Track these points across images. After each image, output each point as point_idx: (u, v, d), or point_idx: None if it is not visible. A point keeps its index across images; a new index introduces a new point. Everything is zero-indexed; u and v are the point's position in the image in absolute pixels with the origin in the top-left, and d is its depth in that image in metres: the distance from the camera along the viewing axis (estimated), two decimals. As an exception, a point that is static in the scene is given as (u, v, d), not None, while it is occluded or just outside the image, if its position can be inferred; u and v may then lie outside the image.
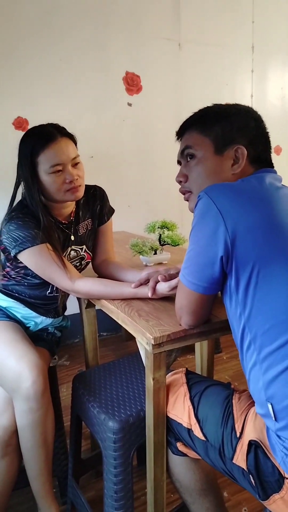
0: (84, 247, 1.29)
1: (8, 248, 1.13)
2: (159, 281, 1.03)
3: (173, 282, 1.00)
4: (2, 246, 1.18)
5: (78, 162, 1.16)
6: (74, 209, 1.27)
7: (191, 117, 0.93)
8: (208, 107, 0.92)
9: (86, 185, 1.30)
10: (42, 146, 1.10)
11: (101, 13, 2.24)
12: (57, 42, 2.15)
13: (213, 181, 0.85)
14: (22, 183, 1.16)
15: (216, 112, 0.89)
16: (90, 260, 1.32)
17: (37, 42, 2.09)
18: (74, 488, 1.22)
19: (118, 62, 2.35)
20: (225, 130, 0.86)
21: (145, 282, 1.07)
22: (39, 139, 1.11)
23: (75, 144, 1.18)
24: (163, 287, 1.01)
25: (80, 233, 1.28)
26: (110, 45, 2.31)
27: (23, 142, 1.14)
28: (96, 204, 1.31)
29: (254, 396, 0.77)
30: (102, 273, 1.31)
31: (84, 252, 1.29)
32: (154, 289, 1.03)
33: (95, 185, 1.33)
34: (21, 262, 1.16)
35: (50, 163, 1.10)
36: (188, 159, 0.90)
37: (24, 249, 1.09)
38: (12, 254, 1.13)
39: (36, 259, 1.12)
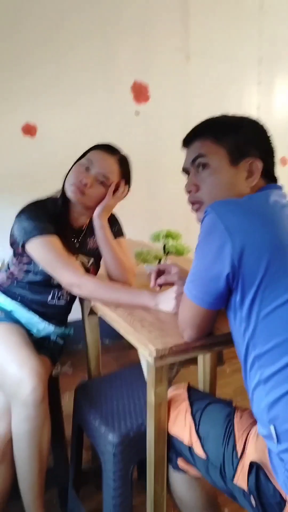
0: (92, 259, 1.31)
1: (17, 239, 1.15)
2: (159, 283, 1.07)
3: (175, 288, 1.01)
4: (12, 239, 1.20)
5: (103, 184, 1.19)
6: (87, 221, 1.30)
7: (202, 124, 0.90)
8: (220, 116, 0.90)
9: None
10: (95, 148, 1.21)
11: (110, 23, 2.26)
12: (67, 51, 2.16)
13: (228, 193, 0.83)
14: None
15: (230, 121, 0.88)
16: (94, 274, 1.33)
17: (46, 51, 2.11)
18: (75, 499, 1.21)
19: (127, 71, 2.36)
20: (240, 141, 0.84)
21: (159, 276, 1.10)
22: (99, 145, 1.22)
23: (121, 176, 1.23)
24: (172, 296, 1.02)
25: (90, 245, 1.31)
26: (118, 54, 2.32)
27: None
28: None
29: (257, 416, 0.76)
30: None
31: (90, 265, 1.30)
32: (155, 281, 1.07)
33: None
34: (26, 257, 1.18)
35: (86, 158, 1.19)
36: (201, 168, 0.87)
37: (31, 237, 1.11)
38: (20, 245, 1.15)
39: (43, 250, 1.12)
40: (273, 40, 2.83)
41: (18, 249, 1.19)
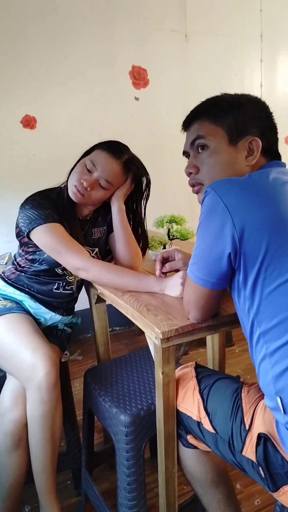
0: (97, 250, 1.32)
1: (22, 228, 1.17)
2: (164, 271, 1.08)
3: (181, 274, 1.01)
4: (17, 229, 1.22)
5: (105, 188, 1.19)
6: (91, 213, 1.31)
7: (200, 106, 0.89)
8: (217, 96, 0.90)
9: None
10: (100, 147, 1.21)
11: (106, 7, 2.23)
12: (62, 38, 2.14)
13: (228, 173, 0.83)
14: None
15: (228, 101, 0.87)
16: None
17: (42, 39, 2.09)
18: (88, 480, 1.24)
19: (124, 56, 2.33)
20: (238, 120, 0.83)
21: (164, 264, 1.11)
22: (104, 143, 1.22)
23: (127, 177, 1.24)
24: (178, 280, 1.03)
25: (95, 236, 1.32)
26: (116, 39, 2.29)
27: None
28: (110, 215, 1.32)
29: (263, 390, 0.77)
30: None
31: (95, 254, 1.31)
32: (160, 271, 1.08)
33: None
34: (31, 246, 1.20)
35: (89, 159, 1.19)
36: (200, 150, 0.87)
37: (36, 226, 1.13)
38: (25, 234, 1.17)
39: (47, 236, 1.14)
40: (274, 15, 2.77)
41: (24, 239, 1.21)
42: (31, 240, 1.18)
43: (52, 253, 1.16)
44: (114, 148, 1.22)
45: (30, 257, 1.24)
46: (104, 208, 1.33)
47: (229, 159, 0.84)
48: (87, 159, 1.20)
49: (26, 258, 1.26)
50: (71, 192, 1.19)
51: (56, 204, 1.20)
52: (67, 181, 1.23)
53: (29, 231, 1.15)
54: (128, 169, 1.23)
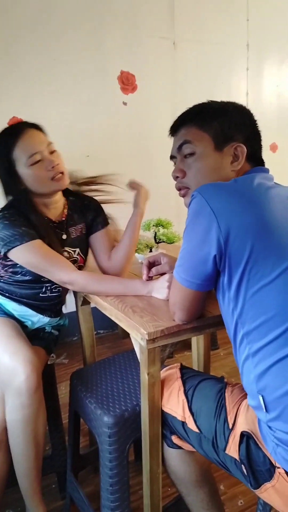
0: (78, 250, 1.29)
1: None
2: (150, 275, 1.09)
3: (167, 277, 1.03)
4: None
5: (54, 150, 1.16)
6: (65, 210, 1.27)
7: (187, 112, 0.92)
8: (204, 103, 0.92)
9: (81, 194, 1.31)
10: (13, 141, 1.11)
11: (95, 13, 2.25)
12: (52, 42, 2.15)
13: (213, 178, 0.85)
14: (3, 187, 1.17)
15: (214, 108, 0.89)
16: (82, 264, 1.32)
17: (32, 42, 2.10)
18: (73, 483, 1.24)
19: (113, 61, 2.35)
20: (224, 127, 0.86)
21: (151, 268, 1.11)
22: (8, 136, 1.12)
23: (43, 132, 1.19)
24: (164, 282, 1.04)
25: (73, 235, 1.28)
26: (105, 44, 2.31)
27: None
28: (89, 213, 1.31)
29: (246, 389, 0.79)
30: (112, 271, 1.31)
31: (77, 255, 1.29)
32: (147, 275, 1.08)
33: (91, 197, 1.35)
34: (9, 260, 1.16)
35: (26, 154, 1.10)
36: (186, 155, 0.89)
37: (13, 247, 1.10)
38: (1, 253, 1.14)
39: (27, 256, 1.12)
40: (260, 25, 2.84)
41: (0, 255, 1.17)
42: (9, 258, 1.15)
43: (35, 270, 1.15)
44: (14, 130, 1.15)
45: (11, 269, 1.20)
46: (79, 206, 1.30)
47: (215, 164, 0.86)
48: (27, 161, 1.10)
49: (6, 270, 1.21)
50: (54, 187, 1.15)
51: (26, 215, 1.14)
52: (16, 195, 1.16)
53: (6, 252, 1.12)
54: (41, 129, 1.19)
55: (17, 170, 1.13)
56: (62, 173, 1.15)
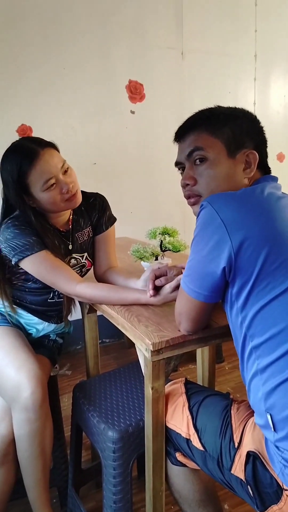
0: (85, 254, 1.29)
1: (7, 256, 1.14)
2: (158, 284, 1.02)
3: (174, 282, 0.99)
4: (2, 253, 1.18)
5: (68, 168, 1.13)
6: (71, 216, 1.26)
7: (196, 117, 0.89)
8: (213, 108, 0.89)
9: (86, 192, 1.30)
10: (28, 166, 1.06)
11: (104, 22, 2.27)
12: (61, 51, 2.17)
13: (227, 185, 0.82)
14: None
15: (224, 113, 0.87)
16: (90, 268, 1.32)
17: (41, 51, 2.12)
18: (74, 498, 1.21)
19: (122, 70, 2.37)
20: (236, 133, 0.84)
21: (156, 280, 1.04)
22: (23, 160, 1.07)
23: (58, 150, 1.15)
24: (165, 288, 1.01)
25: (80, 240, 1.28)
26: (113, 53, 2.33)
27: (5, 166, 1.09)
28: (94, 213, 1.30)
29: (254, 407, 0.76)
30: (104, 282, 1.29)
31: (85, 259, 1.29)
32: (154, 290, 1.01)
33: (96, 194, 1.32)
34: (21, 268, 1.16)
35: (42, 180, 1.07)
36: (198, 162, 0.86)
37: (24, 257, 1.09)
38: (12, 262, 1.13)
39: (37, 266, 1.12)
40: (268, 36, 2.85)
41: (10, 263, 1.16)
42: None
43: (44, 281, 1.14)
44: (29, 153, 1.07)
45: (23, 276, 1.20)
46: (84, 206, 1.27)
47: (228, 172, 0.83)
48: (42, 187, 1.08)
49: (17, 277, 1.21)
50: (67, 206, 1.14)
51: (33, 225, 1.12)
52: (25, 208, 1.12)
53: (17, 262, 1.11)
54: (55, 147, 1.16)
55: (30, 192, 1.10)
56: (76, 192, 1.14)
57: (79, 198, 1.16)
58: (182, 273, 1.01)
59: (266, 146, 0.90)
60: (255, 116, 0.89)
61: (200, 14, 2.57)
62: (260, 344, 0.72)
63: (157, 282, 1.02)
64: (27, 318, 1.25)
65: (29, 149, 1.08)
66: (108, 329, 1.43)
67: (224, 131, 0.83)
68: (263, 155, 0.87)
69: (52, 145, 1.14)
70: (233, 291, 0.74)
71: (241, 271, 0.71)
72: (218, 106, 0.90)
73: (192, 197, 0.88)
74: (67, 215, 1.25)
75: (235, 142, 0.83)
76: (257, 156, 0.84)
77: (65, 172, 1.12)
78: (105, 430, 0.99)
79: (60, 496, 1.33)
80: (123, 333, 1.05)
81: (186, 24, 2.52)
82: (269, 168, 0.90)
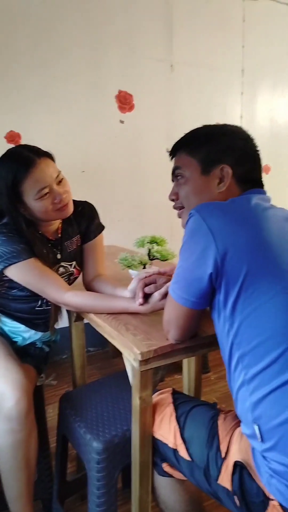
0: (74, 263, 1.28)
1: None
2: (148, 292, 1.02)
3: (163, 289, 1.00)
4: None
5: (62, 179, 1.13)
6: (60, 225, 1.26)
7: (181, 139, 0.97)
8: (197, 129, 0.96)
9: (75, 201, 1.30)
10: (24, 174, 1.06)
11: (95, 34, 2.29)
12: (52, 60, 2.18)
13: (200, 199, 0.88)
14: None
15: (204, 134, 0.94)
16: (78, 276, 1.31)
17: (31, 60, 2.12)
18: (59, 511, 1.18)
19: (112, 80, 2.39)
20: (211, 151, 0.90)
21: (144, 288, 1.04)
22: (19, 167, 1.06)
23: (53, 160, 1.16)
24: (154, 296, 1.01)
25: (69, 249, 1.27)
26: (104, 63, 2.35)
27: (0, 172, 1.08)
28: (82, 222, 1.30)
29: (241, 417, 0.76)
30: (92, 290, 1.28)
31: (73, 268, 1.28)
32: (143, 299, 1.01)
33: (85, 202, 1.32)
34: (5, 276, 1.14)
35: (36, 188, 1.07)
36: (178, 178, 0.95)
37: (10, 264, 1.08)
38: None
39: (24, 274, 1.11)
40: (255, 51, 2.92)
41: None
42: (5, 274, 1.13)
43: (31, 289, 1.13)
44: (26, 161, 1.07)
45: (6, 284, 1.18)
46: (73, 215, 1.25)
47: (201, 187, 0.90)
48: (35, 195, 1.07)
49: (1, 285, 1.19)
50: (59, 216, 1.14)
51: (22, 233, 1.12)
52: (16, 217, 1.12)
53: (3, 269, 1.09)
54: (51, 157, 1.16)
55: (22, 200, 1.10)
56: (66, 205, 1.13)
57: (71, 208, 1.16)
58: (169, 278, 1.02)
59: (253, 161, 0.92)
60: (241, 133, 0.93)
61: (189, 28, 2.62)
62: (247, 353, 0.73)
63: (147, 290, 1.02)
64: (12, 326, 1.23)
65: (26, 157, 1.08)
66: (93, 337, 1.41)
67: (201, 151, 0.91)
68: (245, 169, 0.90)
69: (48, 155, 1.14)
70: (220, 298, 0.75)
71: (228, 278, 0.73)
72: (205, 125, 0.96)
73: (178, 209, 0.98)
74: (56, 224, 1.25)
75: (210, 160, 0.89)
76: (230, 171, 0.87)
77: (60, 182, 1.12)
78: (90, 441, 0.98)
79: (44, 509, 1.30)
80: (107, 342, 1.04)
81: (175, 37, 2.57)
82: (261, 182, 0.92)
